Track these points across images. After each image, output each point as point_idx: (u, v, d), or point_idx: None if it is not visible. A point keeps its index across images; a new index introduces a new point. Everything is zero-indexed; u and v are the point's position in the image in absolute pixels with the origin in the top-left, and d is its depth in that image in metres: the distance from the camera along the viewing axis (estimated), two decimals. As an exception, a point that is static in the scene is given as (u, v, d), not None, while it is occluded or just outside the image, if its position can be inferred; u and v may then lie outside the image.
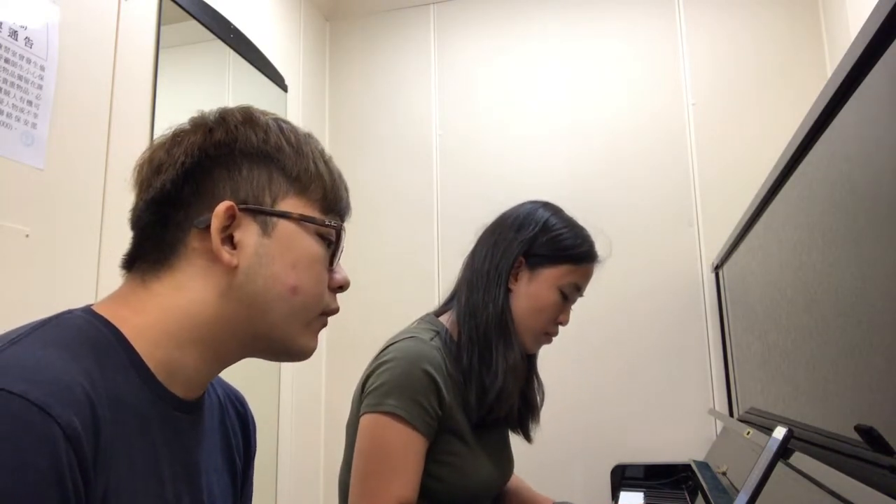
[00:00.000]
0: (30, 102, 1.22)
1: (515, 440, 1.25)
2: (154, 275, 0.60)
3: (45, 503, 0.44)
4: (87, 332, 0.54)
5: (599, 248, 1.18)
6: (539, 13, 2.34)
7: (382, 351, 1.08)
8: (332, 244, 0.65)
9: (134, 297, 0.60)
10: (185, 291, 0.59)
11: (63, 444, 0.45)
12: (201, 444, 0.64)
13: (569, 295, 1.14)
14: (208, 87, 1.97)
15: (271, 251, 0.60)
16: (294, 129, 0.65)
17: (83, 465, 0.47)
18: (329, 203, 0.65)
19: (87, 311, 0.58)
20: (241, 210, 0.59)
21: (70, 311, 0.57)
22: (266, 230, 0.60)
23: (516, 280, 1.13)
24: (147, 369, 0.56)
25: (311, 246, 0.63)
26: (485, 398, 1.07)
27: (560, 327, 1.17)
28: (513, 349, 1.09)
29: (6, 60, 1.18)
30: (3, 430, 0.43)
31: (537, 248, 1.13)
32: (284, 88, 2.21)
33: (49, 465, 0.44)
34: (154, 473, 0.55)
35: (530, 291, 1.12)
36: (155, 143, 0.63)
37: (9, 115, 1.18)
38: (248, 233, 0.60)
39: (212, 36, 1.84)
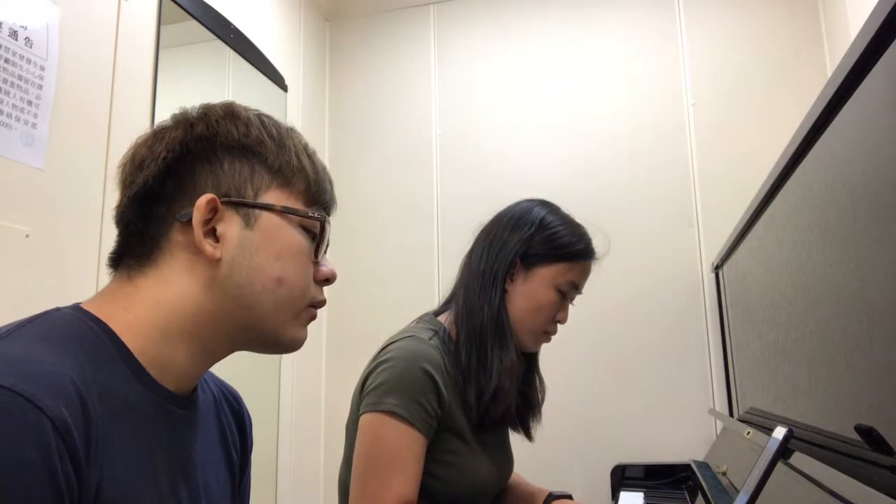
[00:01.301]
0: (30, 102, 1.22)
1: (515, 439, 1.25)
2: (140, 270, 0.60)
3: (38, 495, 0.44)
4: (76, 328, 0.54)
5: (597, 245, 1.17)
6: (539, 13, 2.34)
7: (381, 350, 1.08)
8: (316, 236, 0.65)
9: (122, 293, 0.60)
10: (171, 286, 0.59)
11: (53, 436, 0.45)
12: (197, 439, 0.64)
13: (566, 293, 1.14)
14: (208, 87, 1.97)
15: (255, 243, 0.61)
16: (276, 123, 0.65)
17: (74, 458, 0.46)
18: (313, 195, 0.65)
19: (76, 308, 0.58)
20: (223, 203, 0.60)
21: (58, 309, 0.57)
22: (249, 222, 0.61)
23: (513, 280, 1.13)
24: (138, 364, 0.57)
25: (295, 238, 0.63)
26: (482, 398, 1.07)
27: (560, 326, 1.17)
28: (508, 350, 1.09)
29: (6, 60, 1.18)
30: None
31: (533, 248, 1.12)
32: (284, 88, 2.21)
33: (40, 457, 0.44)
34: (149, 467, 0.55)
35: (527, 291, 1.12)
36: (137, 140, 0.63)
37: (9, 115, 1.18)
38: (230, 225, 0.60)
39: (212, 36, 1.84)
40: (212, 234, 0.60)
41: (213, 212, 0.59)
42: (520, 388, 1.19)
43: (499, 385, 1.07)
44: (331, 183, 0.68)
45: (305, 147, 0.66)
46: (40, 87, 1.25)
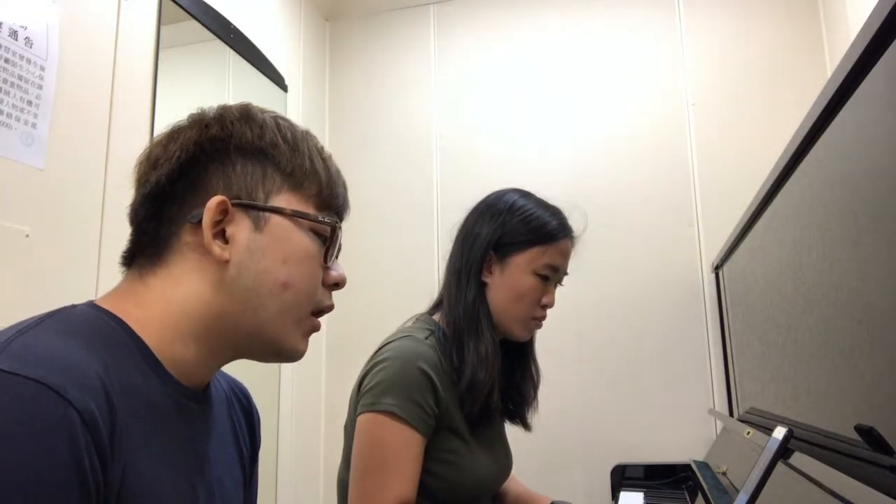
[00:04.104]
0: (30, 102, 1.22)
1: (516, 440, 1.25)
2: (151, 270, 0.60)
3: (64, 487, 0.44)
4: (94, 323, 0.55)
5: (574, 222, 1.17)
6: (539, 13, 2.34)
7: (378, 350, 1.08)
8: (326, 241, 0.65)
9: (133, 291, 0.60)
10: (181, 286, 0.59)
11: (80, 428, 0.45)
12: (211, 435, 0.64)
13: (548, 277, 1.13)
14: (208, 87, 1.97)
15: (263, 246, 0.61)
16: (291, 126, 0.65)
17: (100, 449, 0.47)
18: (324, 200, 0.65)
19: (92, 305, 0.58)
20: (233, 205, 0.60)
21: (74, 306, 0.57)
22: (258, 225, 0.61)
23: (490, 273, 1.13)
24: (156, 360, 0.57)
25: (304, 242, 0.63)
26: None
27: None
28: (483, 341, 1.09)
29: (6, 60, 1.18)
30: (20, 414, 0.43)
31: (506, 236, 1.12)
32: (284, 88, 2.21)
33: (67, 449, 0.44)
34: (168, 462, 0.56)
35: (505, 281, 1.12)
36: (154, 139, 0.64)
37: (9, 115, 1.18)
38: (240, 227, 0.60)
39: (212, 36, 1.84)
40: (221, 235, 0.60)
41: (223, 213, 0.60)
42: (512, 380, 1.19)
43: (473, 377, 1.06)
44: (345, 187, 0.68)
45: (321, 151, 0.66)
46: (40, 87, 1.25)
